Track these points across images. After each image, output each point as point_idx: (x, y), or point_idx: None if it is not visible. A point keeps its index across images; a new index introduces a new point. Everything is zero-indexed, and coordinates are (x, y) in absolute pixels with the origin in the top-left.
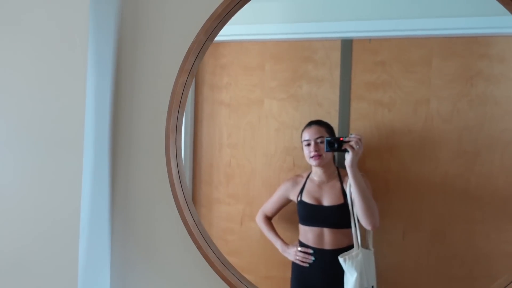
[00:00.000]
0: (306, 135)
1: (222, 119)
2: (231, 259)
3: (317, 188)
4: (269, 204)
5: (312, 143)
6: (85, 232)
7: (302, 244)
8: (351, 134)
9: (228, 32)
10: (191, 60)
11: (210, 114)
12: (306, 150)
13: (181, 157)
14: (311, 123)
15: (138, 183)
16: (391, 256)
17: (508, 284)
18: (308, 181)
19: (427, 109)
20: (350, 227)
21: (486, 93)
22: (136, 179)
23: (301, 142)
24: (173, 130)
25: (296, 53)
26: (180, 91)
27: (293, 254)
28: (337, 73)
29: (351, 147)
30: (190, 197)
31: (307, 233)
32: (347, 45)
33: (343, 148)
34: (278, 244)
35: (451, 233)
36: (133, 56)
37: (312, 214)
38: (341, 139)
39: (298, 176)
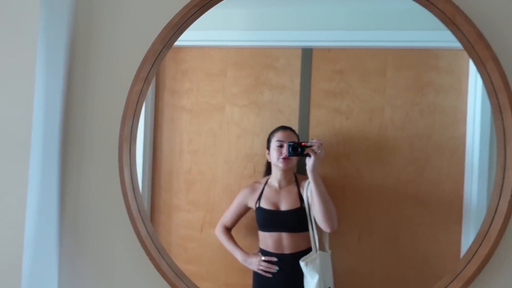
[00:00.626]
0: (280, 136)
1: (183, 125)
2: (190, 267)
3: (274, 194)
4: (228, 214)
5: (285, 145)
6: (30, 246)
7: (263, 251)
8: (312, 139)
9: (190, 37)
10: (147, 68)
11: (171, 119)
12: (276, 152)
13: (136, 166)
14: (285, 127)
15: (89, 193)
16: (348, 259)
17: (447, 286)
18: (266, 187)
19: (382, 117)
20: (307, 230)
21: (435, 102)
22: (87, 189)
23: (268, 144)
24: (127, 139)
25: (258, 60)
26: (135, 99)
27: (256, 264)
28: (297, 81)
29: (314, 151)
30: (144, 207)
31: (266, 239)
32: (307, 53)
33: (305, 152)
34: (238, 254)
35: (403, 236)
36: (87, 61)
37: (270, 219)
38: (303, 144)
39: (256, 182)
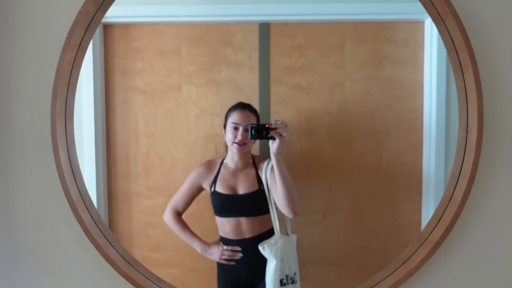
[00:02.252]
0: (236, 118)
1: (138, 107)
2: (155, 255)
3: (231, 177)
4: (180, 196)
5: (241, 128)
6: None
7: (222, 239)
8: (276, 120)
9: (140, 13)
10: (79, 34)
11: (124, 101)
12: (230, 134)
13: (74, 146)
14: (243, 106)
15: (21, 178)
16: (314, 236)
17: (414, 253)
18: (222, 168)
19: (342, 92)
20: (267, 212)
21: (393, 75)
22: (18, 173)
23: (224, 124)
24: (60, 115)
25: (213, 36)
26: (68, 69)
27: (217, 254)
28: (255, 57)
29: (279, 134)
30: (87, 192)
31: (224, 225)
32: (264, 28)
33: (269, 135)
34: (196, 245)
35: (367, 208)
36: (7, 27)
37: (227, 204)
38: (266, 126)
39: (211, 161)
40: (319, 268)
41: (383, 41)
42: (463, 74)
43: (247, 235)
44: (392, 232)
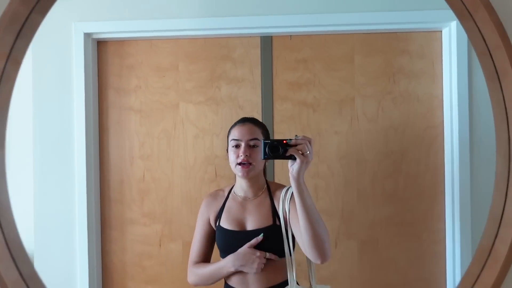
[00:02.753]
0: (236, 134)
1: (132, 127)
2: None
3: (239, 207)
4: (196, 246)
5: (243, 145)
6: None
7: (227, 286)
8: (297, 135)
9: (135, 28)
10: (8, 41)
11: (118, 121)
12: (232, 154)
13: (4, 178)
14: (244, 120)
15: None
16: (324, 269)
17: None
18: (229, 198)
19: (352, 109)
20: (282, 256)
21: (408, 90)
22: None
23: (227, 143)
24: None
25: (212, 51)
26: None
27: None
28: (257, 72)
29: (301, 152)
30: (19, 238)
31: None
32: (267, 42)
33: (288, 154)
34: (229, 264)
35: (383, 237)
36: None
37: (232, 242)
38: (284, 141)
39: (218, 191)
40: None
41: (397, 53)
42: (500, 84)
43: (254, 286)
44: (412, 264)
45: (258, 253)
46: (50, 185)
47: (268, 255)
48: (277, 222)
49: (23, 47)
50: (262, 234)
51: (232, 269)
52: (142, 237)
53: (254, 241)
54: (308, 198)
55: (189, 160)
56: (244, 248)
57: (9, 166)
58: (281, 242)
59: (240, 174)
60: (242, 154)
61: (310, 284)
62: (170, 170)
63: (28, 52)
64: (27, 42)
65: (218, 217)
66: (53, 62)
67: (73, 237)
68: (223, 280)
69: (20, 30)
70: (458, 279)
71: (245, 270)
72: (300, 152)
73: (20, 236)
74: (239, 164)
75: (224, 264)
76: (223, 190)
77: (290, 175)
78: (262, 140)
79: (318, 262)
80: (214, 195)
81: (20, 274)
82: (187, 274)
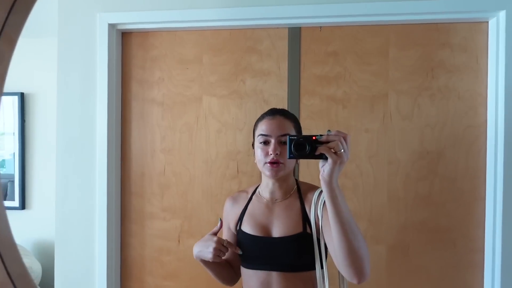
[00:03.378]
0: (265, 128)
1: (154, 120)
2: (167, 284)
3: (265, 211)
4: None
5: (273, 141)
6: None
7: None
8: (329, 130)
9: (159, 18)
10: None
11: (140, 114)
12: (261, 152)
13: None
14: (274, 112)
15: None
16: None
17: None
18: (253, 199)
19: (385, 105)
20: (312, 269)
21: (448, 86)
22: None
23: (253, 138)
24: None
25: (237, 43)
26: None
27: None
28: (284, 66)
29: (333, 151)
30: (8, 236)
31: (250, 279)
32: (295, 33)
33: (317, 153)
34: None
35: (415, 243)
36: None
37: (254, 250)
38: (313, 138)
39: (241, 192)
40: None
41: (436, 46)
42: None
43: None
44: (446, 274)
45: (215, 238)
46: (71, 177)
47: (226, 242)
48: (308, 230)
49: (18, 24)
50: (219, 219)
51: (194, 256)
52: (162, 232)
53: (216, 228)
54: (343, 205)
55: (211, 155)
56: (207, 235)
57: (33, 159)
58: (311, 252)
59: (268, 174)
60: (272, 153)
61: None
62: (191, 165)
63: (52, 44)
64: (22, 18)
65: (240, 220)
66: (77, 53)
67: (93, 230)
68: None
69: (12, 5)
70: None
71: (203, 256)
72: (332, 150)
73: (10, 231)
74: (269, 163)
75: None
76: (246, 192)
77: (320, 177)
78: (288, 136)
79: (354, 281)
80: (236, 197)
81: (8, 273)
82: None
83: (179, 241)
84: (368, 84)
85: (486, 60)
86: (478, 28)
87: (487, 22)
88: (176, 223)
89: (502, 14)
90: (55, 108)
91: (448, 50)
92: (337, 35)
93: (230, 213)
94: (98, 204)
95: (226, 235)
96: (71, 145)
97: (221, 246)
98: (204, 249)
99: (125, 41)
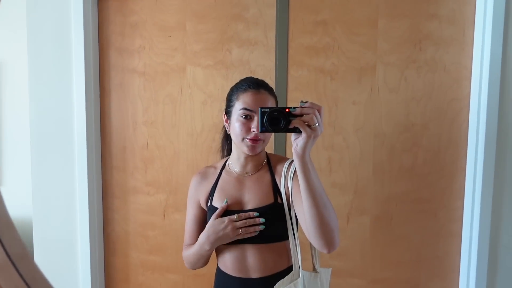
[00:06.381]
0: (249, 102)
1: (136, 90)
2: (153, 258)
3: (235, 184)
4: (188, 231)
5: (256, 118)
6: None
7: (221, 276)
8: (302, 101)
9: None
10: None
11: (120, 84)
12: (241, 126)
13: None
14: (258, 86)
15: None
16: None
17: None
18: (223, 174)
19: (373, 78)
20: (285, 239)
21: (435, 58)
22: None
23: (229, 106)
24: None
25: (223, 10)
26: None
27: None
28: (272, 35)
29: (306, 125)
30: (5, 215)
31: (224, 256)
32: (283, 1)
33: (291, 126)
34: (200, 245)
35: (398, 214)
36: None
37: None
38: (287, 110)
39: (209, 167)
40: (341, 280)
41: (425, 17)
42: None
43: (254, 274)
44: (426, 243)
45: (226, 219)
46: (47, 151)
47: (236, 216)
48: (279, 200)
49: None
50: (226, 200)
51: (208, 247)
52: (146, 207)
53: (219, 210)
54: (315, 178)
55: (196, 128)
56: (210, 221)
57: (4, 133)
58: (284, 223)
59: (246, 149)
60: (255, 130)
61: (314, 267)
62: (176, 138)
63: (21, 10)
64: None
65: (210, 196)
66: (49, 19)
67: (74, 206)
68: (214, 269)
69: None
70: (473, 259)
71: (223, 241)
72: (306, 124)
73: (6, 210)
74: (249, 139)
75: (200, 243)
76: (214, 167)
77: (293, 151)
78: (260, 109)
79: (324, 251)
80: (204, 173)
81: (7, 254)
82: (184, 260)
83: (164, 215)
84: (356, 55)
85: (473, 32)
86: (466, 0)
87: None
88: (160, 198)
89: None
90: (26, 78)
91: (436, 21)
92: (326, 4)
93: (199, 189)
94: (78, 179)
95: (192, 213)
96: (46, 118)
97: (235, 223)
98: (220, 233)
99: (101, 6)
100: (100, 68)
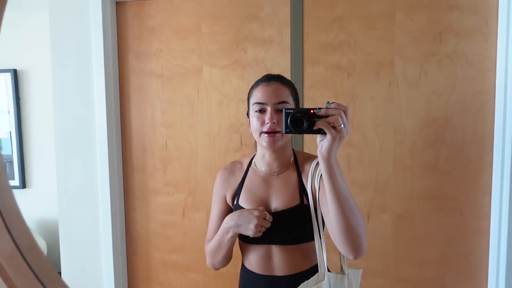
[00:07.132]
0: (260, 96)
1: (154, 93)
2: (174, 257)
3: (262, 184)
4: (212, 227)
5: (269, 109)
6: None
7: (246, 274)
8: (328, 102)
9: None
10: None
11: (139, 87)
12: (256, 121)
13: None
14: (269, 78)
15: None
16: None
17: None
18: (249, 172)
19: (392, 72)
20: (310, 240)
21: (456, 51)
22: None
23: (248, 107)
24: None
25: (238, 10)
26: None
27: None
28: (287, 33)
29: (331, 126)
30: (14, 206)
31: (249, 254)
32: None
33: (315, 128)
34: (222, 229)
35: (421, 211)
36: None
37: None
38: (311, 111)
39: (235, 163)
40: (363, 279)
41: (444, 8)
42: None
43: (278, 272)
44: (452, 241)
45: (256, 212)
46: (72, 154)
47: (269, 217)
48: (305, 202)
49: None
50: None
51: (227, 230)
52: (166, 207)
53: (261, 211)
54: (341, 181)
55: (213, 128)
56: (241, 210)
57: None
58: (309, 224)
59: (265, 144)
60: (268, 121)
61: (342, 268)
62: (194, 138)
63: (44, 17)
64: None
65: (237, 194)
66: (70, 26)
67: (97, 206)
68: (239, 266)
69: None
70: (503, 258)
71: (241, 231)
72: (331, 125)
73: (16, 202)
74: (265, 132)
75: (222, 226)
76: (240, 163)
77: (318, 152)
78: (284, 110)
79: (350, 257)
80: (231, 168)
81: (16, 245)
82: (206, 258)
83: (184, 215)
84: (373, 50)
85: (496, 22)
86: None
87: None
88: (180, 197)
89: None
90: (50, 84)
91: (456, 12)
92: (341, 0)
93: (225, 184)
94: (100, 180)
95: (217, 208)
96: (69, 122)
97: (263, 222)
98: (245, 224)
99: (119, 11)
100: (119, 72)
